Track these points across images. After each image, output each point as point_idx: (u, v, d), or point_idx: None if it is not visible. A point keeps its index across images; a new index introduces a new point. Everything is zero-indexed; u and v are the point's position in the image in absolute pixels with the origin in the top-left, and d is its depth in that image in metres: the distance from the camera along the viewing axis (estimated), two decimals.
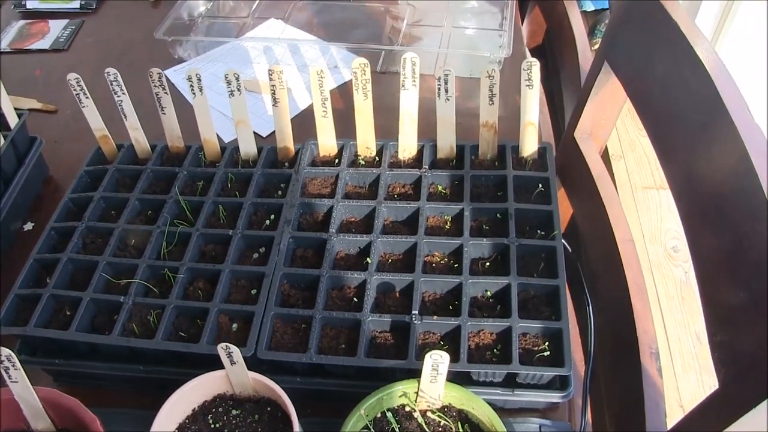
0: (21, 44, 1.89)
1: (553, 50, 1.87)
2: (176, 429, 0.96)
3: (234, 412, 0.98)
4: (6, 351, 0.88)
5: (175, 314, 1.08)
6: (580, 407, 1.14)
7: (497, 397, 1.01)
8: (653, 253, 1.42)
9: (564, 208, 1.45)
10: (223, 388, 0.99)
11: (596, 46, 1.47)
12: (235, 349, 0.92)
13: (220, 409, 0.98)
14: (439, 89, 1.16)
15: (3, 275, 1.29)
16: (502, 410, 1.06)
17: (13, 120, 1.38)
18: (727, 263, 0.84)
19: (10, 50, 1.88)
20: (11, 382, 0.90)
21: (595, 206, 1.25)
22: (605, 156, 1.56)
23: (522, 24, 2.03)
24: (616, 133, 1.59)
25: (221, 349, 0.92)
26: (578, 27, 1.60)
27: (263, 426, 0.96)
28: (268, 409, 0.97)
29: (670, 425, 1.19)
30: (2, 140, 1.34)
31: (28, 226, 1.41)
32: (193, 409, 0.98)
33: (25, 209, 1.43)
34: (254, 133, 1.51)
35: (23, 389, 0.91)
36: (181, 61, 1.78)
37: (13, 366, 0.89)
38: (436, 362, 0.89)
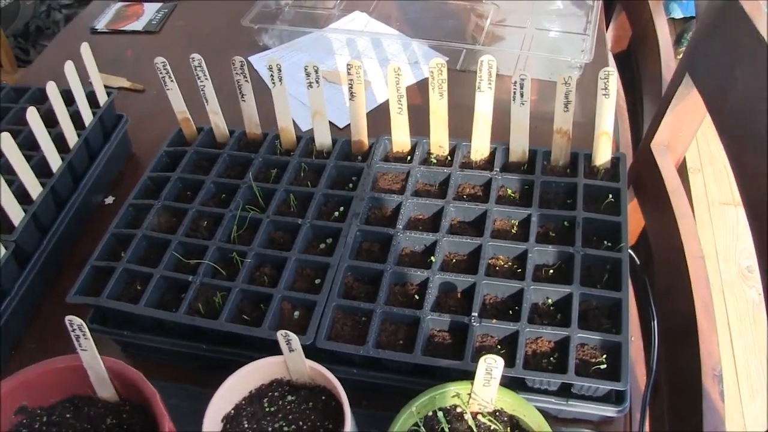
0: (116, 25, 1.96)
1: (637, 57, 1.83)
2: (232, 409, 0.98)
3: (289, 397, 0.99)
4: (77, 320, 0.91)
5: (240, 297, 1.10)
6: (638, 421, 1.12)
7: (551, 405, 1.00)
8: (726, 272, 1.37)
9: (636, 220, 1.42)
10: (280, 373, 1.00)
11: (681, 56, 1.43)
12: (294, 337, 0.93)
13: (276, 394, 1.00)
14: (514, 93, 1.15)
15: (83, 245, 1.34)
16: (555, 419, 1.04)
17: (102, 98, 1.43)
18: None
19: (107, 30, 1.95)
20: (81, 350, 0.93)
21: (667, 220, 1.22)
22: (683, 168, 1.52)
23: (607, 29, 1.99)
24: (695, 145, 1.54)
25: (281, 335, 0.93)
26: (663, 35, 1.56)
27: (316, 414, 0.97)
28: (323, 397, 0.98)
29: None
30: (91, 117, 1.39)
31: (109, 199, 1.46)
32: (250, 391, 1.00)
33: (107, 183, 1.48)
34: (331, 123, 1.53)
35: (91, 358, 0.94)
36: (265, 48, 1.81)
37: (84, 335, 0.92)
38: (491, 366, 0.88)
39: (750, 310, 1.33)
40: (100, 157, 1.41)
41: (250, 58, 1.74)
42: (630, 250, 1.22)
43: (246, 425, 0.97)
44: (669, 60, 1.51)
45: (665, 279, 1.23)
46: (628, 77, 1.84)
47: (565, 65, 1.62)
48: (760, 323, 1.08)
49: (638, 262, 1.24)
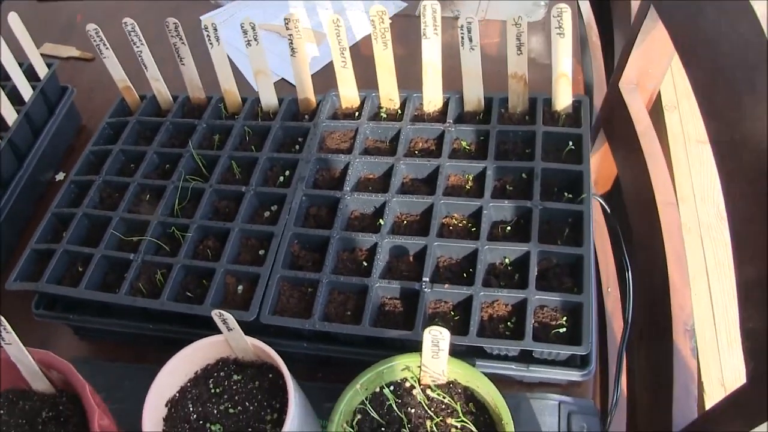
0: None
1: None
2: (177, 392, 0.91)
3: (235, 377, 0.92)
4: None
5: (183, 274, 1.03)
6: (613, 378, 1.04)
7: (512, 372, 0.92)
8: (704, 214, 1.27)
9: (610, 166, 1.32)
10: (225, 352, 0.93)
11: None
12: (228, 317, 0.85)
13: (222, 374, 0.93)
14: (462, 38, 1.04)
15: (35, 224, 1.26)
16: (519, 384, 0.96)
17: (42, 71, 1.33)
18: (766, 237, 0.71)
19: None
20: (5, 344, 0.86)
21: (638, 164, 1.12)
22: (658, 106, 1.41)
23: None
24: (671, 81, 1.42)
25: (215, 315, 0.85)
26: None
27: (263, 393, 0.90)
28: (270, 375, 0.91)
29: (708, 404, 1.08)
30: (31, 91, 1.29)
31: (60, 176, 1.37)
32: (196, 372, 0.93)
33: (56, 159, 1.39)
34: (287, 83, 1.43)
35: (18, 351, 0.87)
36: (218, 6, 1.70)
37: (5, 329, 0.85)
38: (436, 338, 0.80)
39: (728, 252, 1.24)
40: (44, 133, 1.32)
41: (201, 18, 1.63)
42: (600, 199, 1.13)
43: (191, 408, 0.90)
44: None
45: (638, 227, 1.14)
46: (605, 11, 1.71)
47: (532, 4, 1.50)
48: None
49: (608, 210, 1.14)
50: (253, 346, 0.89)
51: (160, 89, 1.24)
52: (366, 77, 1.17)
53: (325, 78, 1.18)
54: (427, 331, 0.79)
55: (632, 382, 1.09)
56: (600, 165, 1.37)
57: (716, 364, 1.15)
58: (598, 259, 1.31)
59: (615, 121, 1.22)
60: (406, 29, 1.04)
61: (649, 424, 0.98)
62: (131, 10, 1.66)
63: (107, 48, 1.19)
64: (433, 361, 0.83)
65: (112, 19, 1.17)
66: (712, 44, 0.90)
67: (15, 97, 1.28)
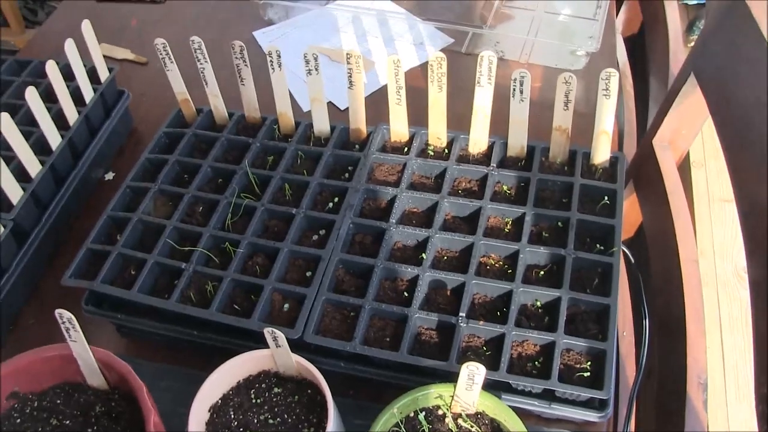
0: None
1: (646, 42, 1.79)
2: (219, 399, 0.99)
3: (276, 390, 1.00)
4: (67, 314, 0.93)
5: (232, 287, 1.11)
6: (623, 420, 1.13)
7: (534, 408, 1.01)
8: (722, 271, 1.36)
9: (635, 213, 1.41)
10: (268, 365, 1.01)
11: (692, 44, 1.40)
12: (280, 335, 0.93)
13: (263, 385, 1.01)
14: (513, 90, 1.13)
15: (83, 221, 1.35)
16: (538, 418, 1.06)
17: (103, 74, 1.43)
18: None
19: None
20: (71, 341, 0.95)
21: (664, 219, 1.21)
22: (685, 162, 1.50)
23: (618, 11, 1.95)
24: (701, 138, 1.51)
25: (267, 333, 0.94)
26: (673, 21, 1.53)
27: (302, 407, 0.98)
28: (308, 391, 0.99)
29: None
30: (92, 93, 1.39)
31: (109, 175, 1.46)
32: (238, 382, 1.01)
33: (108, 159, 1.48)
34: (333, 105, 1.53)
35: (81, 348, 0.95)
36: (270, 23, 1.79)
37: (73, 328, 0.93)
38: (473, 373, 0.89)
39: (743, 310, 1.33)
40: (100, 134, 1.42)
41: (254, 33, 1.72)
42: (624, 248, 1.22)
43: (232, 415, 0.98)
44: (678, 49, 1.48)
45: (659, 278, 1.23)
46: (639, 61, 1.81)
47: (573, 52, 1.60)
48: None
49: (632, 260, 1.23)
50: (297, 363, 0.98)
51: (218, 105, 1.33)
52: (410, 109, 1.25)
53: (371, 105, 1.27)
54: (465, 365, 0.88)
55: (640, 426, 1.18)
56: (626, 212, 1.46)
57: (724, 417, 1.23)
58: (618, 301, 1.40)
59: (645, 176, 1.31)
60: (451, 65, 1.13)
61: None
62: (183, 20, 1.77)
63: (172, 62, 1.28)
64: (467, 392, 0.92)
65: (165, 27, 1.25)
66: (744, 113, 0.99)
67: (77, 98, 1.36)
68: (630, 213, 1.44)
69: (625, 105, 1.64)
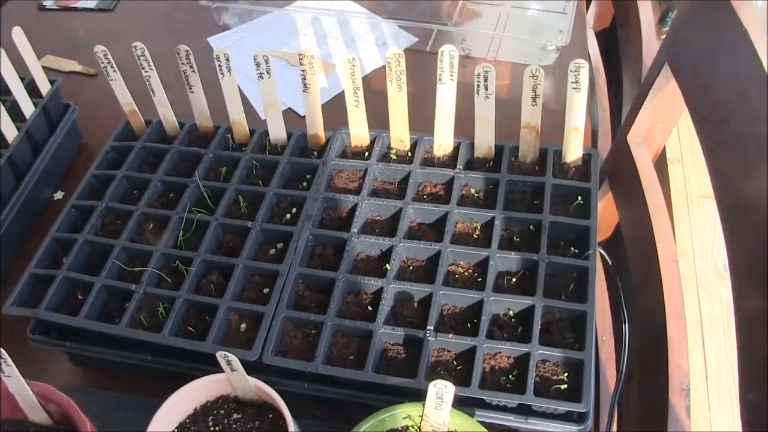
0: (67, 2, 1.87)
1: (618, 36, 1.76)
2: (176, 428, 0.94)
3: (235, 415, 0.95)
4: None
5: (185, 308, 1.06)
6: (605, 426, 1.08)
7: (510, 423, 0.96)
8: (702, 271, 1.32)
9: (611, 214, 1.37)
10: (227, 389, 0.96)
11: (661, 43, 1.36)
12: (233, 358, 0.88)
13: (222, 412, 0.96)
14: (478, 86, 1.09)
15: (32, 243, 1.28)
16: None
17: (44, 87, 1.37)
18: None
19: (57, 8, 1.86)
20: (4, 376, 0.89)
21: (641, 218, 1.17)
22: (662, 158, 1.46)
23: (589, 5, 1.91)
24: (677, 134, 1.48)
25: (220, 357, 0.89)
26: (646, 14, 1.50)
27: None
28: (270, 416, 0.94)
29: None
30: (33, 108, 1.33)
31: (59, 195, 1.40)
32: (195, 409, 0.96)
33: (55, 178, 1.42)
34: (294, 112, 1.48)
35: (17, 383, 0.90)
36: (226, 28, 1.74)
37: (5, 362, 0.88)
38: (441, 392, 0.84)
39: (724, 310, 1.29)
40: (44, 151, 1.35)
41: (209, 39, 1.67)
42: (601, 249, 1.18)
43: None
44: (651, 41, 1.45)
45: (638, 280, 1.19)
46: (612, 57, 1.77)
47: (543, 47, 1.56)
48: (734, 325, 1.03)
49: (610, 262, 1.19)
50: (255, 387, 0.93)
51: (167, 115, 1.28)
52: (375, 112, 1.21)
53: (333, 110, 1.22)
54: (432, 384, 0.83)
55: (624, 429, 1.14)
56: (602, 211, 1.42)
57: (706, 420, 1.19)
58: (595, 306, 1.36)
59: (621, 173, 1.27)
60: (416, 65, 1.08)
61: None
62: (135, 28, 1.71)
63: (115, 71, 1.23)
64: (436, 412, 0.87)
65: (116, 37, 1.20)
66: (723, 104, 0.95)
67: (15, 113, 1.30)
68: (606, 212, 1.40)
69: (599, 102, 1.60)
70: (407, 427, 0.91)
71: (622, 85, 1.63)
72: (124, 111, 1.28)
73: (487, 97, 1.10)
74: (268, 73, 1.16)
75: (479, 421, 0.94)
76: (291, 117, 1.47)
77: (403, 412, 0.90)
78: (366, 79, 1.53)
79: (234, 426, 0.94)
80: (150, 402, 0.91)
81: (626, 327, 1.14)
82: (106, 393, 1.11)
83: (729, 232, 0.92)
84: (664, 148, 1.48)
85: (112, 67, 1.22)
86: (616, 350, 1.28)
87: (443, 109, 1.14)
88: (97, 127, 1.51)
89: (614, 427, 1.19)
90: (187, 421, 0.95)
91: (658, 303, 1.07)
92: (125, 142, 1.30)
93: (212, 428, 0.94)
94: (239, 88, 1.23)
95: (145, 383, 1.10)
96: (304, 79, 1.16)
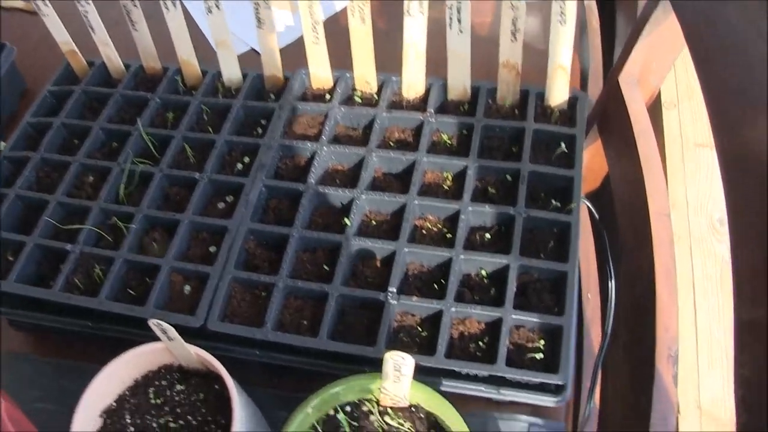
0: None
1: None
2: (114, 401, 0.87)
3: (179, 387, 0.88)
4: None
5: (126, 268, 0.98)
6: (587, 391, 1.00)
7: (481, 393, 0.88)
8: (696, 224, 1.22)
9: (600, 163, 1.27)
10: (169, 358, 0.89)
11: None
12: (168, 327, 0.80)
13: (164, 382, 0.89)
14: (450, 19, 0.98)
15: None
16: (488, 401, 0.92)
17: None
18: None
19: None
20: None
21: (632, 168, 1.07)
22: (656, 103, 1.36)
23: None
24: (673, 75, 1.37)
25: (153, 325, 0.80)
26: None
27: (208, 406, 0.86)
28: (216, 386, 0.87)
29: (682, 427, 1.05)
30: None
31: (2, 146, 1.30)
32: (135, 380, 0.89)
33: None
34: (257, 54, 1.36)
35: None
36: None
37: None
38: (398, 364, 0.75)
39: (718, 267, 1.20)
40: None
41: None
42: (587, 201, 1.09)
43: (128, 420, 0.86)
44: None
45: (627, 235, 1.10)
46: None
47: None
48: (728, 284, 0.94)
49: (596, 216, 1.09)
50: (197, 356, 0.84)
51: (110, 56, 1.17)
52: (346, 53, 1.09)
53: (302, 50, 1.10)
54: (388, 355, 0.74)
55: (606, 396, 1.05)
56: (590, 161, 1.32)
57: (694, 384, 1.11)
58: (580, 263, 1.27)
59: (611, 117, 1.17)
60: (390, 2, 0.97)
61: None
62: None
63: (47, 5, 1.11)
64: (395, 384, 0.78)
65: None
66: (731, 49, 0.85)
67: None
68: (594, 161, 1.30)
69: (590, 43, 1.48)
70: (365, 401, 0.83)
71: (616, 24, 1.52)
72: (63, 52, 1.18)
73: (461, 32, 0.99)
74: (217, 6, 1.05)
75: (447, 392, 0.85)
76: (255, 59, 1.36)
77: (359, 385, 0.81)
78: (336, 18, 1.42)
79: (177, 398, 0.88)
80: (96, 370, 0.84)
81: (612, 285, 1.06)
82: (49, 361, 1.03)
83: (729, 183, 0.82)
84: (659, 92, 1.37)
85: (44, 2, 1.10)
86: (603, 310, 1.19)
87: (411, 46, 1.03)
88: (42, 71, 1.38)
89: (597, 392, 1.11)
90: (127, 392, 0.88)
91: (647, 261, 0.98)
92: (66, 86, 1.19)
93: (153, 400, 0.88)
94: (196, 24, 1.12)
95: (92, 351, 1.01)
96: (257, 13, 1.05)
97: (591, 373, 1.02)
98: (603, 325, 1.04)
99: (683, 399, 1.10)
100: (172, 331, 0.80)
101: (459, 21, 0.99)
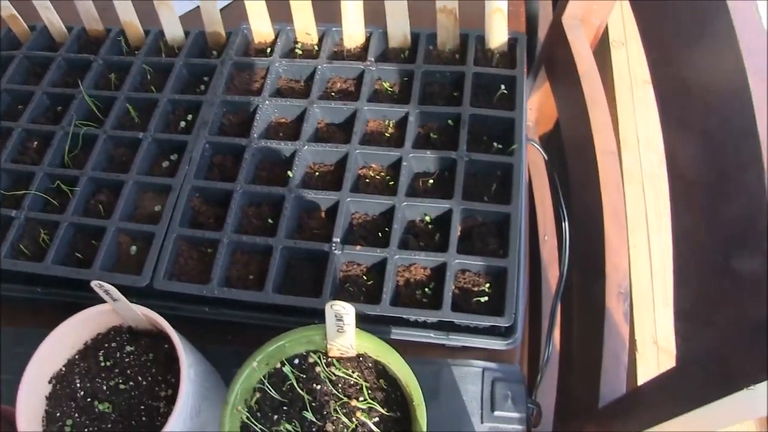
0: None
1: None
2: (63, 365, 0.82)
3: (128, 348, 0.84)
4: None
5: (72, 232, 0.92)
6: (545, 334, 0.97)
7: (431, 340, 0.84)
8: (647, 162, 1.18)
9: (551, 104, 1.22)
10: (118, 320, 0.84)
11: None
12: (110, 288, 0.75)
13: (114, 344, 0.84)
14: None
15: None
16: (442, 348, 0.88)
17: None
18: (708, 194, 0.63)
19: None
20: None
21: (578, 107, 1.03)
22: (604, 41, 1.30)
23: None
24: (620, 13, 1.31)
25: (96, 286, 0.75)
26: None
27: (158, 366, 0.82)
28: (166, 346, 0.82)
29: (640, 364, 1.02)
30: None
31: None
32: (85, 343, 0.84)
33: None
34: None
35: None
36: None
37: None
38: (340, 313, 0.71)
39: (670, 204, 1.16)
40: None
41: None
42: (535, 143, 1.04)
43: (78, 384, 0.81)
44: None
45: (576, 176, 1.05)
46: None
47: None
48: None
49: (545, 157, 1.05)
50: (145, 316, 0.80)
51: (51, 19, 1.10)
52: (288, 6, 1.03)
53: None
54: (328, 305, 0.70)
55: (567, 338, 1.02)
56: (543, 104, 1.28)
57: (650, 322, 1.08)
58: (536, 205, 1.23)
59: (556, 59, 1.12)
60: None
61: (578, 390, 0.91)
62: None
63: None
64: (339, 335, 0.74)
65: None
66: None
67: None
68: (547, 104, 1.25)
69: None
70: (310, 353, 0.79)
71: None
72: (2, 16, 1.11)
73: None
74: None
75: (398, 340, 0.82)
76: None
77: (304, 337, 0.77)
78: None
79: (127, 360, 0.83)
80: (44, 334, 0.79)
81: (566, 225, 1.02)
82: (8, 328, 0.97)
83: (665, 117, 0.78)
84: (606, 31, 1.32)
85: None
86: (560, 250, 1.15)
87: None
88: None
89: (557, 335, 1.08)
90: (77, 356, 0.84)
91: (596, 199, 0.94)
92: (7, 51, 1.12)
93: (103, 363, 0.83)
94: None
95: (47, 317, 0.95)
96: None
97: (549, 315, 0.99)
98: (560, 266, 1.00)
99: (640, 336, 1.07)
100: (116, 292, 0.76)
101: None
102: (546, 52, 1.17)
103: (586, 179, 0.98)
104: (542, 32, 1.31)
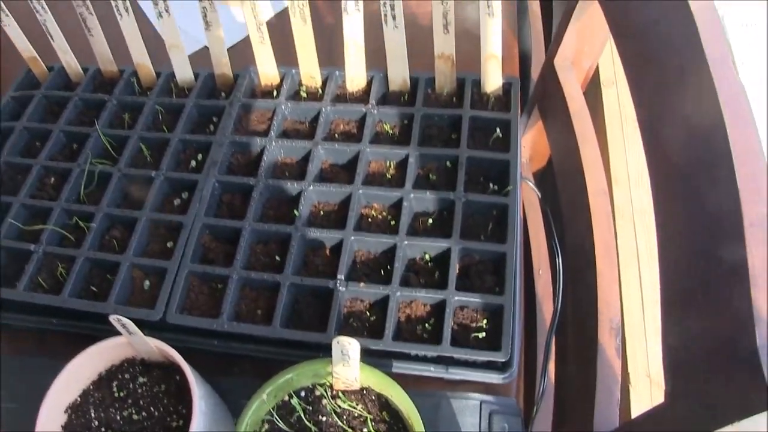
0: None
1: None
2: (78, 396, 0.84)
3: (141, 379, 0.85)
4: None
5: (88, 266, 0.93)
6: (541, 367, 0.98)
7: (430, 374, 0.85)
8: (638, 199, 1.20)
9: (545, 143, 1.24)
10: (131, 352, 0.85)
11: None
12: (127, 321, 0.76)
13: (127, 375, 0.85)
14: (385, 15, 0.94)
15: None
16: (441, 381, 0.89)
17: None
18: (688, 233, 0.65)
19: None
20: None
21: (570, 147, 1.04)
22: (596, 81, 1.32)
23: None
24: (610, 54, 1.34)
25: (114, 320, 0.77)
26: None
27: (169, 397, 0.83)
28: (177, 377, 0.83)
29: (633, 397, 1.03)
30: None
31: None
32: (99, 374, 0.85)
33: None
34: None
35: None
36: None
37: None
38: (345, 348, 0.72)
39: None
40: None
41: None
42: (530, 182, 1.06)
43: (93, 414, 0.82)
44: None
45: (568, 211, 1.07)
46: None
47: None
48: None
49: (539, 195, 1.07)
50: (158, 348, 0.81)
51: (69, 61, 1.12)
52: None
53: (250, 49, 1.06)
54: (335, 340, 0.71)
55: (561, 372, 1.03)
56: (536, 141, 1.29)
57: (643, 354, 1.09)
58: (531, 239, 1.24)
59: (549, 99, 1.14)
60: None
61: (573, 423, 0.92)
62: None
63: (7, 15, 1.06)
64: (344, 368, 0.76)
65: None
66: (644, 30, 0.82)
67: None
68: (540, 142, 1.27)
69: (532, 26, 1.44)
70: (318, 386, 0.80)
71: (553, 10, 1.48)
72: (24, 59, 1.12)
73: (396, 27, 0.95)
74: (166, 11, 1.00)
75: (400, 374, 0.83)
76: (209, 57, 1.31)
77: (311, 370, 0.78)
78: (284, 14, 1.36)
79: (140, 390, 0.84)
80: (61, 367, 0.80)
81: (559, 261, 1.03)
82: (14, 358, 0.97)
83: (650, 153, 0.80)
84: (596, 72, 1.34)
85: (4, 12, 1.05)
86: (553, 285, 1.17)
87: (351, 42, 0.99)
88: (5, 78, 1.33)
89: (552, 369, 1.09)
90: (91, 387, 0.85)
91: (587, 237, 0.95)
92: (27, 91, 1.14)
93: (117, 393, 0.84)
94: (152, 25, 1.07)
95: (56, 347, 0.96)
96: (205, 16, 1.00)
97: (544, 349, 1.00)
98: (554, 301, 1.02)
99: (633, 369, 1.08)
100: (132, 326, 0.77)
101: (393, 17, 0.95)
102: (539, 93, 1.19)
103: (578, 216, 1.00)
104: (535, 72, 1.33)
